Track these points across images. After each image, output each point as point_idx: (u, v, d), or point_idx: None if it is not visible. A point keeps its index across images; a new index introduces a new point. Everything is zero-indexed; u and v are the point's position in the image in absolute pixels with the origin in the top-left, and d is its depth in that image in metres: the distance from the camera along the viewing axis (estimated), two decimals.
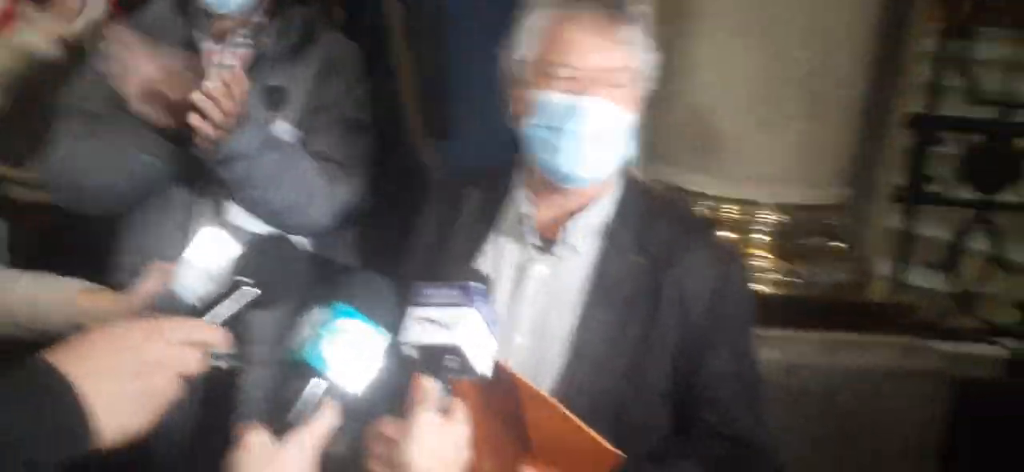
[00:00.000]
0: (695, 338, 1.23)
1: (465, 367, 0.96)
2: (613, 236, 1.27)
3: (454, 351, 0.95)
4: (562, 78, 1.20)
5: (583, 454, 1.04)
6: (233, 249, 1.13)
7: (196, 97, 1.46)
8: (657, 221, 1.29)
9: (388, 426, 1.00)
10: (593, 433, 1.03)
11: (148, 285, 1.18)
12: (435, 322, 0.96)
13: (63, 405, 0.72)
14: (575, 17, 1.20)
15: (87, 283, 1.30)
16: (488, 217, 1.34)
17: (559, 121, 1.19)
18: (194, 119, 1.47)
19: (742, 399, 1.26)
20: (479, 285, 1.01)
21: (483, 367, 0.98)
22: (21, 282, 1.27)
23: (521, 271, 1.29)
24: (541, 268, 1.27)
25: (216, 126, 1.47)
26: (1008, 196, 2.74)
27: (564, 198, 1.27)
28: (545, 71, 1.22)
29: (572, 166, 1.21)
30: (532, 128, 1.23)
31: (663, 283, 1.23)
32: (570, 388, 1.18)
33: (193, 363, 0.84)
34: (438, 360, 0.96)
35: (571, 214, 1.27)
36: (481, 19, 1.68)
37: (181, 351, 0.83)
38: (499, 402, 1.06)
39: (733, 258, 1.33)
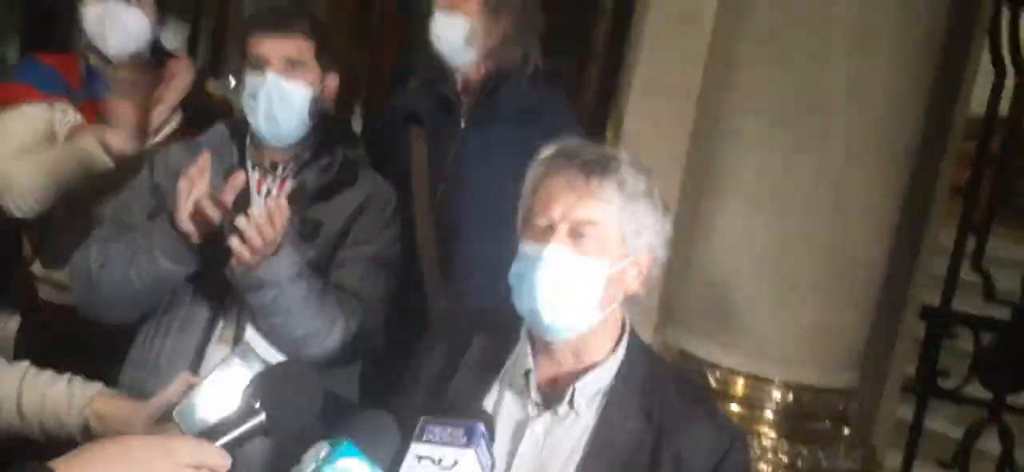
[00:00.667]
0: None
1: None
2: (615, 399, 1.27)
3: None
4: (536, 227, 1.25)
5: None
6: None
7: (240, 222, 1.50)
8: (661, 388, 1.29)
9: None
10: None
11: (168, 395, 1.17)
12: (433, 461, 0.98)
13: None
14: (555, 171, 1.26)
15: (103, 387, 1.30)
16: (493, 365, 1.34)
17: (527, 268, 1.23)
18: (235, 243, 1.50)
19: None
20: (482, 427, 1.02)
21: None
22: (39, 379, 1.27)
23: (520, 427, 1.28)
24: (540, 426, 1.27)
25: (254, 251, 1.50)
26: (1022, 398, 2.71)
27: (568, 357, 1.28)
28: (526, 220, 1.28)
29: (536, 310, 1.22)
30: (512, 275, 1.26)
31: (662, 452, 1.22)
32: None
33: None
34: None
35: (576, 375, 1.27)
36: (495, 166, 1.72)
37: None
38: None
39: (736, 437, 1.31)
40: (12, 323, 1.59)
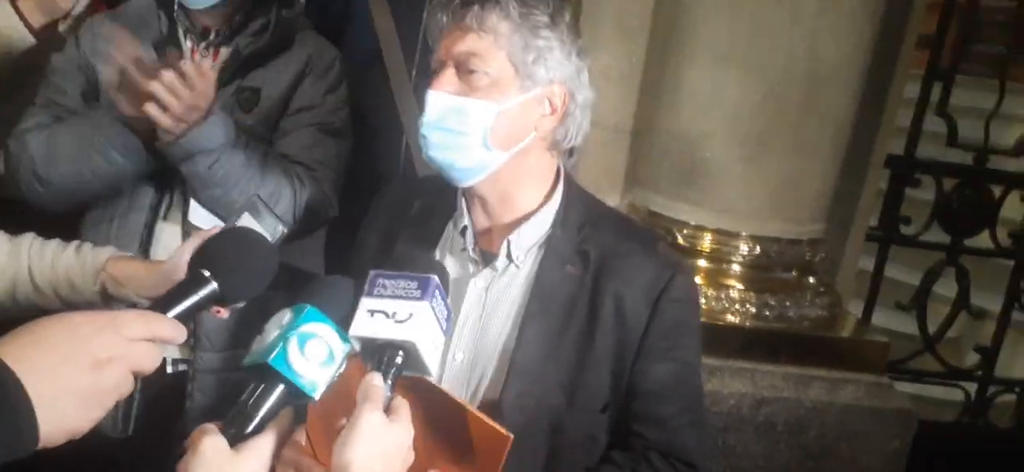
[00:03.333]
0: (634, 350, 1.22)
1: (415, 364, 0.93)
2: (552, 247, 1.26)
3: (404, 347, 0.92)
4: (433, 72, 1.22)
5: (477, 443, 1.01)
6: (273, 236, 1.13)
7: (154, 85, 1.43)
8: (596, 231, 1.27)
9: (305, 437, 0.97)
10: (483, 416, 1.00)
11: (184, 250, 1.13)
12: (387, 314, 0.92)
13: (5, 401, 0.66)
14: (440, 10, 1.22)
15: (116, 250, 1.27)
16: (432, 227, 1.33)
17: (421, 116, 1.20)
18: (151, 109, 1.44)
19: (682, 415, 1.25)
20: (436, 279, 0.97)
21: (433, 365, 0.94)
22: (45, 249, 1.23)
23: (461, 285, 1.27)
24: (479, 281, 1.27)
25: (176, 118, 1.45)
26: (977, 242, 2.80)
27: (498, 208, 1.27)
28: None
29: (430, 155, 1.21)
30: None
31: (602, 293, 1.22)
32: (506, 401, 1.17)
33: (147, 361, 0.78)
34: (388, 355, 0.92)
35: (511, 227, 1.27)
36: None
37: (135, 347, 0.77)
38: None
39: (677, 268, 1.28)
40: None
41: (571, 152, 1.32)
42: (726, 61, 1.97)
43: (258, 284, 1.01)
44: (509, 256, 1.26)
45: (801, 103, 1.97)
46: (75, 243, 1.29)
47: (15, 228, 1.26)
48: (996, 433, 2.94)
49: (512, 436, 1.00)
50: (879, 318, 2.70)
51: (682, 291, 1.26)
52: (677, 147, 2.06)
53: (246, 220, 1.17)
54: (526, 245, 1.26)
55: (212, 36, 1.65)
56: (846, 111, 2.08)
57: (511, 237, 1.26)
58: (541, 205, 1.28)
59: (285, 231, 1.25)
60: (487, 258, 1.28)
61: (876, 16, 2.04)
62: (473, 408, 1.02)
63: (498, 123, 1.19)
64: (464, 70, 1.19)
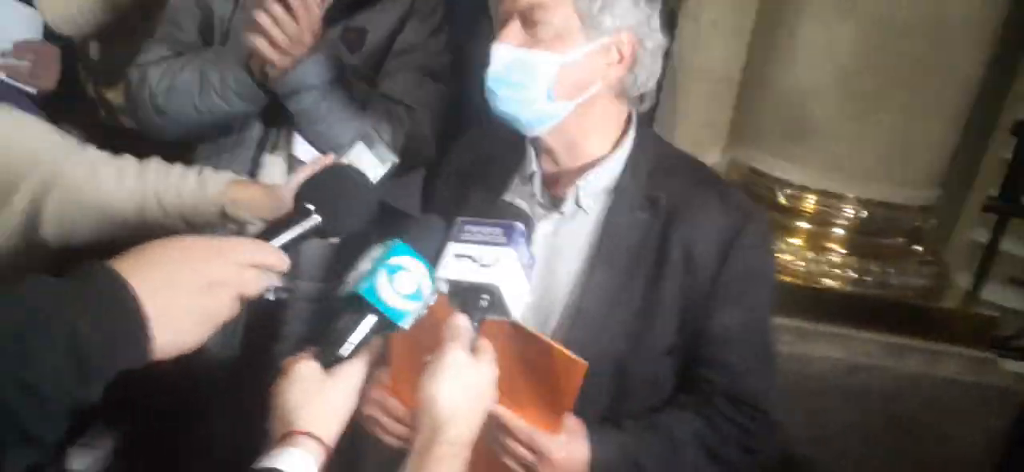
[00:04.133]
0: (704, 295, 1.20)
1: (499, 308, 0.94)
2: (620, 193, 1.24)
3: (489, 291, 0.93)
4: (498, 24, 1.19)
5: (555, 374, 1.04)
6: (383, 168, 1.17)
7: (260, 16, 1.47)
8: (668, 178, 1.25)
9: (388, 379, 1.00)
10: (560, 346, 1.02)
11: (301, 176, 1.16)
12: (473, 259, 0.94)
13: (123, 312, 0.70)
14: None
15: (236, 175, 1.32)
16: (502, 173, 1.33)
17: (486, 69, 1.18)
18: (259, 41, 1.48)
19: (750, 360, 1.24)
20: (521, 226, 0.98)
21: (517, 310, 0.96)
22: (170, 175, 1.31)
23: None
24: (546, 226, 1.26)
25: (281, 51, 1.49)
26: None
27: (565, 155, 1.25)
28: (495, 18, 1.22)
29: (497, 109, 1.19)
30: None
31: (671, 239, 1.20)
32: (570, 345, 1.14)
33: (253, 285, 0.82)
34: (473, 299, 0.94)
35: (578, 172, 1.25)
36: None
37: (243, 272, 0.81)
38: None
39: (751, 216, 1.24)
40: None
41: (643, 98, 1.30)
42: (845, 13, 1.88)
43: (358, 220, 1.04)
44: (578, 202, 1.26)
45: (922, 59, 1.87)
46: (196, 168, 1.35)
47: (136, 155, 1.34)
48: None
49: (587, 363, 1.02)
50: (992, 293, 2.56)
51: (756, 238, 1.23)
52: (786, 101, 2.00)
53: (359, 149, 1.20)
54: (594, 191, 1.25)
55: None
56: (972, 71, 1.96)
57: (579, 182, 1.25)
58: (611, 151, 1.26)
59: (395, 162, 1.28)
60: (555, 203, 1.27)
61: None
62: (550, 340, 1.04)
63: (562, 75, 1.17)
64: (529, 22, 1.16)
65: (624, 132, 1.28)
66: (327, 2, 1.61)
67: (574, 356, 1.02)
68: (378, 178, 1.22)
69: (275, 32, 1.48)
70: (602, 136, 1.27)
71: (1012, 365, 2.19)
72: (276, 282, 0.86)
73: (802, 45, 1.95)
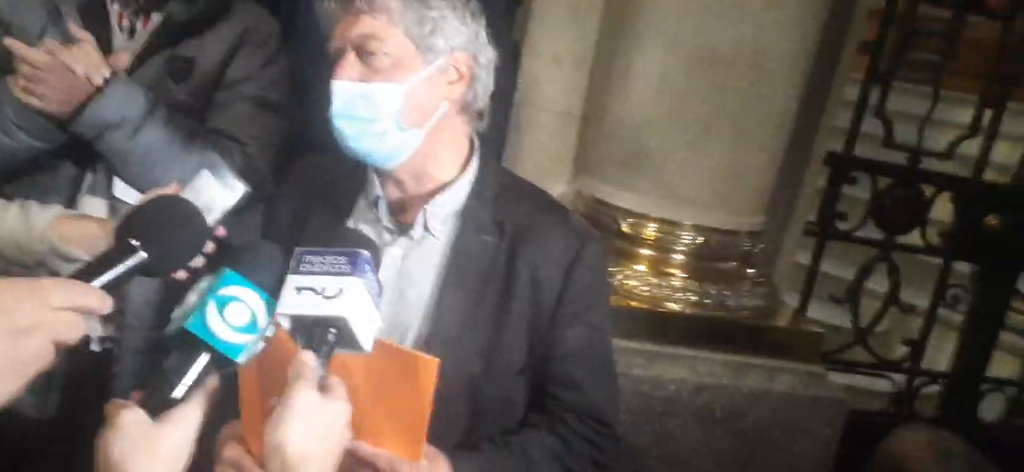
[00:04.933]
0: (549, 316, 1.25)
1: (348, 341, 0.90)
2: (468, 217, 1.26)
3: (336, 324, 0.89)
4: (333, 60, 1.19)
5: (406, 381, 1.01)
6: (233, 196, 1.09)
7: (20, 66, 1.34)
8: (512, 202, 1.29)
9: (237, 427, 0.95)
10: (406, 349, 1.00)
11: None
12: (316, 291, 0.89)
13: None
14: None
15: (66, 209, 1.20)
16: (344, 199, 1.32)
17: (330, 107, 1.18)
18: (22, 97, 1.34)
19: (594, 376, 1.30)
20: (366, 253, 0.94)
21: (367, 341, 0.91)
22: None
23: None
24: (395, 251, 1.26)
25: (57, 101, 1.36)
26: (909, 239, 2.90)
27: (411, 180, 1.26)
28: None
29: (348, 146, 1.19)
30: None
31: (517, 262, 1.23)
32: None
33: (70, 331, 0.74)
34: (319, 334, 0.88)
35: (426, 197, 1.26)
36: None
37: (57, 316, 0.73)
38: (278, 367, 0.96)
39: (589, 237, 1.31)
40: None
41: (481, 114, 1.32)
42: (675, 45, 1.99)
43: (188, 255, 0.98)
44: (426, 226, 1.25)
45: (744, 92, 2.00)
46: (18, 201, 1.22)
47: None
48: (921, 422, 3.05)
49: (439, 360, 1.00)
50: (814, 310, 2.78)
51: (592, 259, 1.29)
52: (624, 133, 2.08)
53: (205, 178, 1.11)
54: (443, 215, 1.27)
55: (142, 0, 1.57)
56: (788, 106, 2.12)
57: (428, 207, 1.25)
58: (458, 176, 1.28)
59: (248, 191, 1.19)
60: (402, 228, 1.27)
61: (820, 18, 2.09)
62: (398, 345, 1.02)
63: (408, 103, 1.17)
64: (364, 53, 1.16)
65: (469, 158, 1.29)
66: (151, 31, 1.51)
67: (425, 355, 1.00)
68: (227, 208, 1.13)
69: (39, 88, 1.33)
70: (449, 161, 1.28)
71: (838, 377, 2.36)
72: (99, 329, 0.78)
73: (637, 77, 2.04)
